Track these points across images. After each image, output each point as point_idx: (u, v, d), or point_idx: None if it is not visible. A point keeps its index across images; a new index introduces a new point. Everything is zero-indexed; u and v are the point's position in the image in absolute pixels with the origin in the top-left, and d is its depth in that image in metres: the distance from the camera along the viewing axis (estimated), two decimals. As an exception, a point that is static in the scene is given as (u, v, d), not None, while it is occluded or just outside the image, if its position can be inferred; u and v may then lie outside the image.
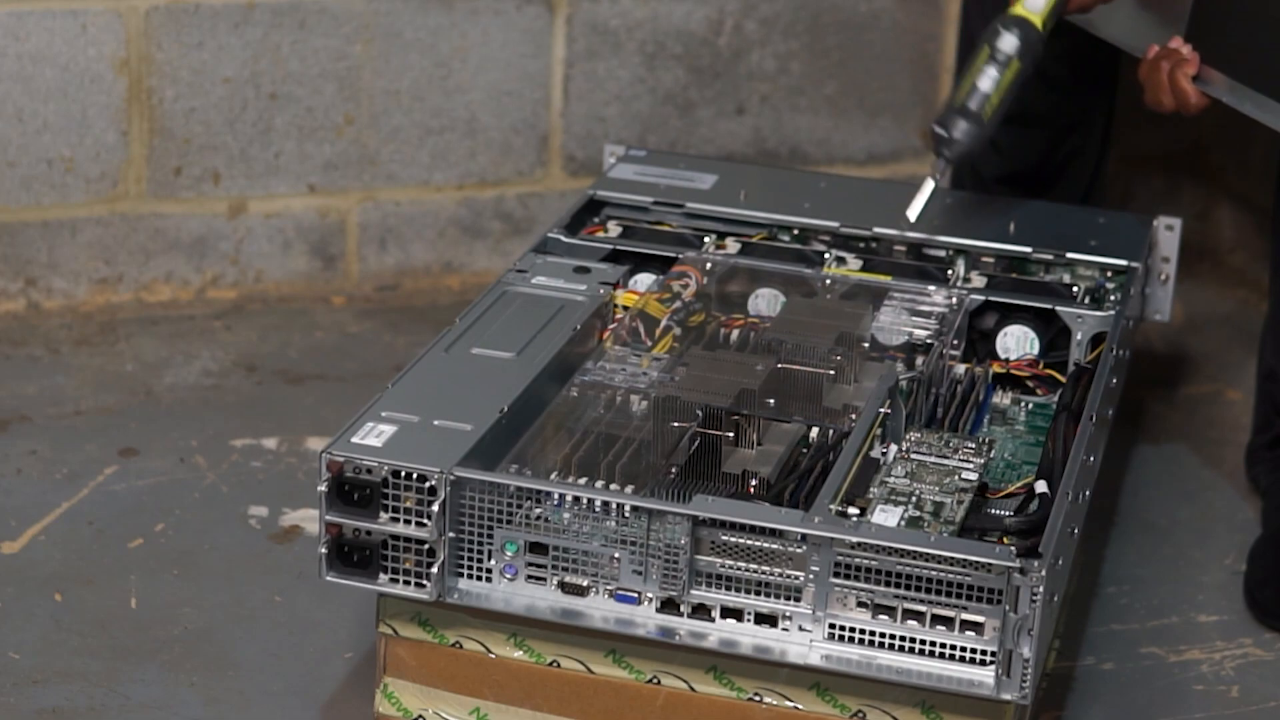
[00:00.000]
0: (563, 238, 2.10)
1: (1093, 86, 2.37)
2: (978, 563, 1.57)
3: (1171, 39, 2.00)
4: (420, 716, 1.72)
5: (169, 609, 2.00)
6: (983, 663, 1.59)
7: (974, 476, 1.74)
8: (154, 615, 1.99)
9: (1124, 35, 2.09)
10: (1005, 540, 1.66)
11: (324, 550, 1.66)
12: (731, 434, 1.78)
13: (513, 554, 1.65)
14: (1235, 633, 2.04)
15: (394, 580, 1.65)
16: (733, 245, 2.15)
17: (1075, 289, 2.08)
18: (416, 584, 1.65)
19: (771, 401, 1.83)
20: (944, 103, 1.97)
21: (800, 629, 1.62)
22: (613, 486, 1.66)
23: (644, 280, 2.05)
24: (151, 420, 2.34)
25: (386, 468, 1.63)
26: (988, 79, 1.95)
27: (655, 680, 1.67)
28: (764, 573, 1.62)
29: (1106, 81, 2.39)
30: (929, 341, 1.94)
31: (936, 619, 1.59)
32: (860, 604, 1.61)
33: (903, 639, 1.60)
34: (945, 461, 1.75)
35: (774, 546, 1.61)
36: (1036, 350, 2.03)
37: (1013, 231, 2.16)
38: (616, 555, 1.63)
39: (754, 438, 1.79)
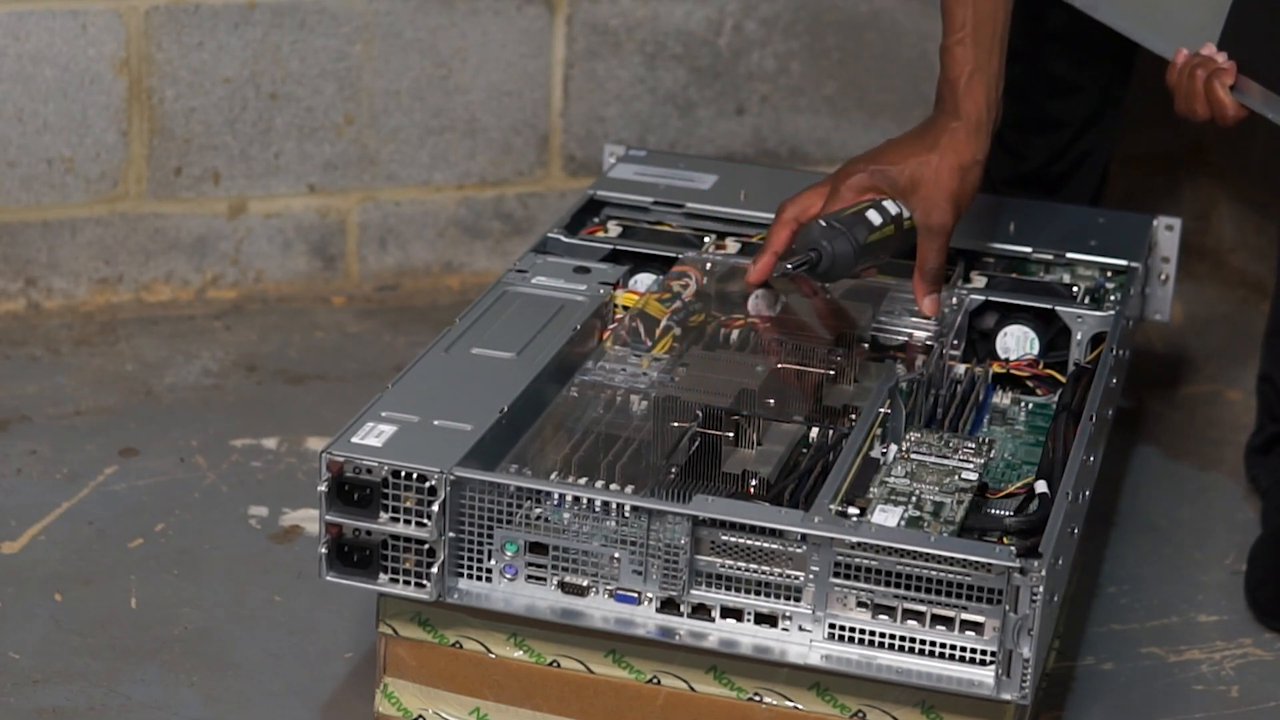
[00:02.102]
0: (563, 238, 2.10)
1: (1105, 89, 2.37)
2: (978, 563, 1.57)
3: (1204, 45, 1.95)
4: (420, 716, 1.72)
5: (169, 609, 2.00)
6: (983, 663, 1.59)
7: (974, 476, 1.73)
8: (154, 615, 1.99)
9: (1150, 34, 2.03)
10: (1005, 540, 1.66)
11: (324, 550, 1.66)
12: (731, 434, 1.78)
13: (513, 554, 1.65)
14: (1235, 633, 2.05)
15: (394, 580, 1.65)
16: (733, 245, 2.15)
17: (1075, 289, 2.08)
18: (416, 584, 1.65)
19: (771, 401, 1.83)
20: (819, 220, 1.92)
21: (800, 629, 1.62)
22: (613, 486, 1.66)
23: (644, 280, 2.05)
24: (151, 420, 2.34)
25: (386, 468, 1.63)
26: (875, 215, 1.92)
27: (655, 680, 1.67)
28: (764, 573, 1.62)
29: (1119, 84, 2.39)
30: (929, 342, 1.94)
31: (936, 619, 1.59)
32: (860, 604, 1.61)
33: (903, 639, 1.60)
34: (945, 461, 1.75)
35: (774, 546, 1.61)
36: (1036, 350, 2.03)
37: (1013, 231, 2.16)
38: (616, 555, 1.63)
39: (754, 438, 1.79)
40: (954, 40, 1.96)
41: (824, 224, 1.91)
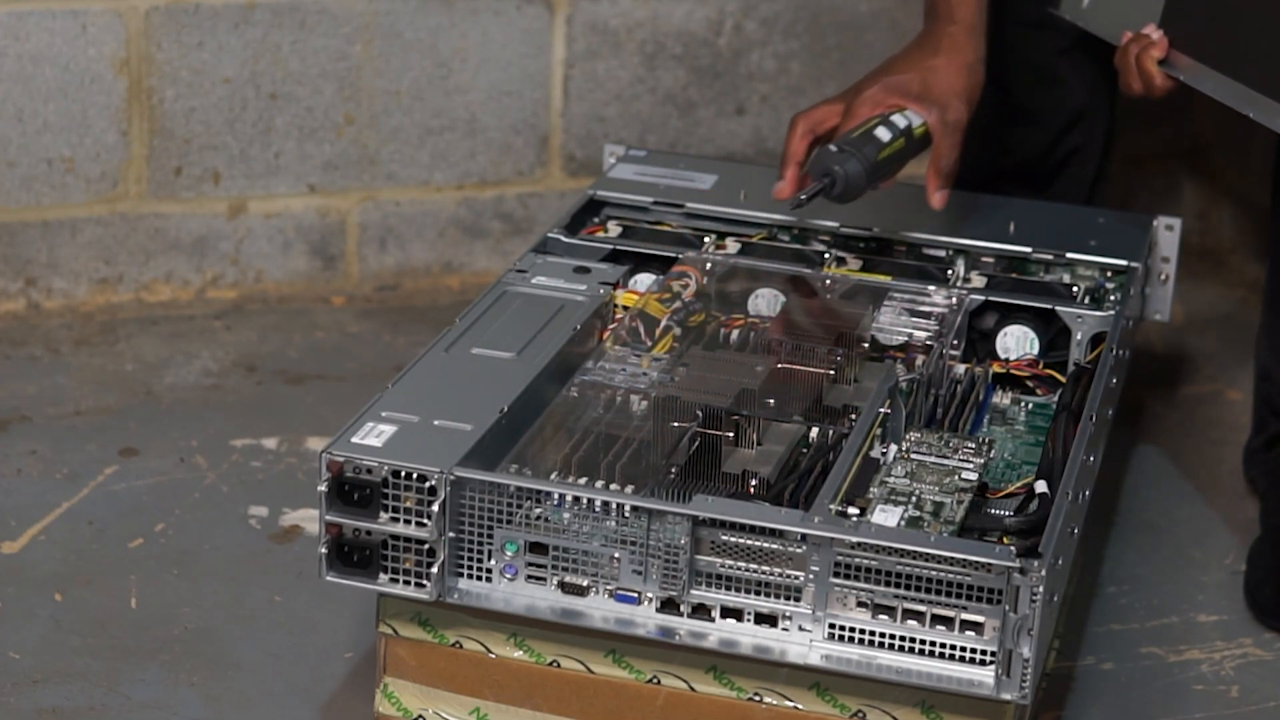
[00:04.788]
0: (563, 238, 2.10)
1: (1092, 83, 2.37)
2: (978, 563, 1.57)
3: (1146, 25, 2.03)
4: (420, 716, 1.72)
5: (169, 609, 2.00)
6: (983, 663, 1.59)
7: (974, 476, 1.73)
8: (154, 615, 1.99)
9: (1107, 27, 2.11)
10: (1005, 540, 1.66)
11: (324, 550, 1.66)
12: (731, 434, 1.78)
13: (513, 554, 1.65)
14: (1235, 633, 2.05)
15: (394, 580, 1.65)
16: (733, 245, 2.15)
17: (1075, 289, 2.08)
18: (416, 584, 1.65)
19: (771, 401, 1.83)
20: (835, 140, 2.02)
21: (800, 629, 1.62)
22: (613, 486, 1.66)
23: (644, 280, 2.05)
24: (151, 420, 2.34)
25: (386, 468, 1.63)
26: (884, 132, 2.01)
27: (655, 680, 1.67)
28: (764, 573, 1.62)
29: (1106, 78, 2.38)
30: (929, 342, 1.94)
31: (936, 619, 1.59)
32: (860, 604, 1.61)
33: (903, 639, 1.60)
34: (945, 461, 1.75)
35: (774, 546, 1.61)
36: (1036, 350, 2.03)
37: (1013, 231, 2.16)
38: (616, 555, 1.63)
39: (754, 438, 1.79)
40: None
41: (834, 149, 1.98)
